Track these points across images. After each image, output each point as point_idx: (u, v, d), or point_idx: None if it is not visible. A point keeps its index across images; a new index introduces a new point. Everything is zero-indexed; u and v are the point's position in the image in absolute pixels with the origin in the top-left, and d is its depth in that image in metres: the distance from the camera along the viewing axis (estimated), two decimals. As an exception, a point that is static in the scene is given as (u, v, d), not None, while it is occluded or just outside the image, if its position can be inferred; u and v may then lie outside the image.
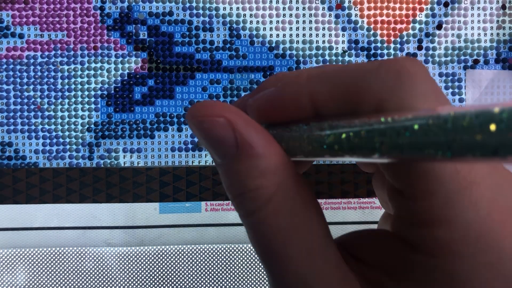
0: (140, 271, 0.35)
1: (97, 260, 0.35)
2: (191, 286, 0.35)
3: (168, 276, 0.35)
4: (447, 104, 0.13)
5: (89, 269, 0.35)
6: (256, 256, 0.35)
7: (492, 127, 0.09)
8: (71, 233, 0.35)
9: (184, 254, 0.35)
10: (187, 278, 0.35)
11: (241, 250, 0.35)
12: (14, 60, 0.34)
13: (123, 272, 0.35)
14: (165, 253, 0.35)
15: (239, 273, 0.35)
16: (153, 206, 0.35)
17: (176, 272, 0.35)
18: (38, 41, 0.35)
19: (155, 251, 0.35)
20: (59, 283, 0.35)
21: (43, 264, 0.35)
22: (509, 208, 0.13)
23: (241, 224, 0.35)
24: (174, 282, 0.35)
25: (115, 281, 0.35)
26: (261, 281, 0.35)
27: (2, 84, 0.35)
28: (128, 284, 0.35)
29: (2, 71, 0.34)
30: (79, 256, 0.35)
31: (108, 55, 0.35)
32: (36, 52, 0.35)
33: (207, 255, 0.35)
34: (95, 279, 0.35)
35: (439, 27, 0.35)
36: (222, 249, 0.35)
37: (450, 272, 0.13)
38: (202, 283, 0.35)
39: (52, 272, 0.35)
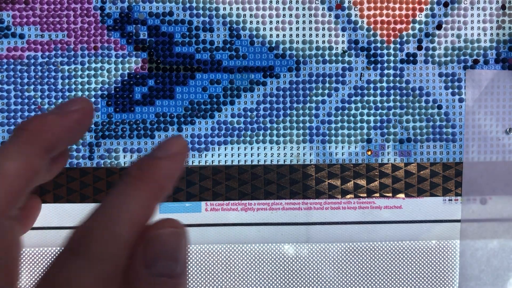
0: (140, 271, 0.35)
1: (97, 260, 0.35)
2: (191, 286, 0.35)
3: (168, 276, 0.35)
4: None
5: (89, 269, 0.35)
6: (256, 256, 0.35)
7: None
8: (71, 233, 0.35)
9: (184, 254, 0.35)
10: (187, 278, 0.35)
11: (241, 250, 0.35)
12: (15, 60, 0.35)
13: (123, 272, 0.35)
14: (165, 253, 0.35)
15: (239, 273, 0.35)
16: (153, 206, 0.35)
17: (176, 272, 0.35)
18: (39, 41, 0.35)
19: (155, 251, 0.35)
20: (59, 283, 0.35)
21: (44, 264, 0.35)
22: None
23: (241, 224, 0.35)
24: (174, 282, 0.35)
25: (115, 281, 0.35)
26: (261, 281, 0.35)
27: (2, 84, 0.35)
28: (128, 284, 0.35)
29: (2, 71, 0.35)
30: (79, 256, 0.35)
31: (108, 55, 0.35)
32: (37, 52, 0.35)
33: (207, 255, 0.35)
34: (95, 279, 0.35)
35: (439, 27, 0.35)
36: (222, 249, 0.35)
37: None
38: (202, 283, 0.35)
39: (52, 272, 0.35)
